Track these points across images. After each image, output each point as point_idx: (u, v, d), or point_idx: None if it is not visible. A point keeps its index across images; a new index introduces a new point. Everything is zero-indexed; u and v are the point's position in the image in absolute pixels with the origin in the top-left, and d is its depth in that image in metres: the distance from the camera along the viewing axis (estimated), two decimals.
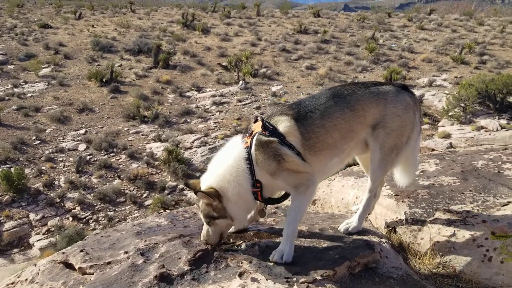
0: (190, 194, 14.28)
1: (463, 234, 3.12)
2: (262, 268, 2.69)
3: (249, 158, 2.81)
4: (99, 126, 19.10)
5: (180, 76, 25.27)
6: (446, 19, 39.60)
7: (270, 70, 25.93)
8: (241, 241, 3.08)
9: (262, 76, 24.93)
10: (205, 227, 2.98)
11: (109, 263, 2.95)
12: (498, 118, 18.05)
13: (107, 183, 15.12)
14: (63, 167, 15.97)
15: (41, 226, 13.11)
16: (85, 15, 38.91)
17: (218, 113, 20.50)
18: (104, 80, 23.45)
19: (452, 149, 6.36)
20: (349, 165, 3.84)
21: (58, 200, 14.19)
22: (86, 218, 13.55)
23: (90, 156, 16.67)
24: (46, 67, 25.72)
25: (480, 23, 36.89)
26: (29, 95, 22.05)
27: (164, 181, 15.10)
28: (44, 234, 12.78)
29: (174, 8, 45.44)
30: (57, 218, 13.44)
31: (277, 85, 23.92)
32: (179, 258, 2.87)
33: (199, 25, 34.26)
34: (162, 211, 12.35)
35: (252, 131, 2.89)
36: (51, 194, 14.39)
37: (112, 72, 23.62)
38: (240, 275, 2.63)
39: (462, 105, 18.46)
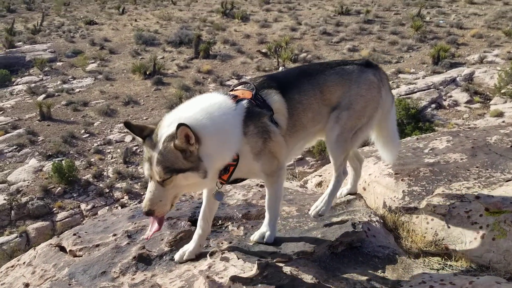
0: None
1: (458, 212, 3.02)
2: (240, 248, 2.71)
3: (243, 114, 2.47)
4: (144, 118, 19.56)
5: (221, 65, 25.37)
6: None
7: (310, 54, 25.49)
8: (229, 223, 3.11)
9: (302, 61, 24.55)
10: (152, 188, 2.30)
11: (97, 245, 3.07)
12: None
13: None
14: (111, 159, 16.51)
15: (91, 216, 13.63)
16: (128, 10, 39.80)
17: None
18: (147, 72, 23.96)
19: (472, 125, 6.02)
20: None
21: (107, 190, 14.71)
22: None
23: (136, 147, 17.12)
24: (92, 63, 26.61)
25: None
26: (77, 90, 22.91)
27: None
28: None
29: None
30: (107, 207, 13.96)
31: None
32: (162, 240, 2.95)
33: (238, 13, 34.18)
34: None
35: (237, 96, 2.56)
36: (100, 185, 14.94)
37: (155, 64, 24.09)
38: (211, 254, 2.66)
39: None
